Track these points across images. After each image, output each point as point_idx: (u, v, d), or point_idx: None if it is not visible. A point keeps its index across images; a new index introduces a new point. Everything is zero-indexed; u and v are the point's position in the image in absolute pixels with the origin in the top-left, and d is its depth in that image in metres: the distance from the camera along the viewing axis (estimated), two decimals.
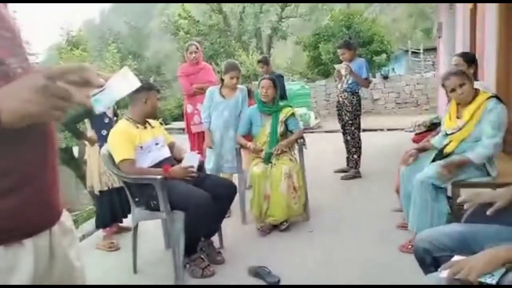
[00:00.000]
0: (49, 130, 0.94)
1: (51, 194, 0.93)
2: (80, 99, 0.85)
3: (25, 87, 0.74)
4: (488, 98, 2.65)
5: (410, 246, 2.72)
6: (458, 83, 2.64)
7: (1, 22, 0.87)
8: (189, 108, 4.33)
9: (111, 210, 3.35)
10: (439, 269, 1.32)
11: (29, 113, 0.74)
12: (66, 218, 1.03)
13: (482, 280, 1.20)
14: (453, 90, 2.67)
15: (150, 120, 2.93)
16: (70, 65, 0.82)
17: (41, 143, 0.90)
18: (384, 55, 13.37)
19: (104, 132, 3.25)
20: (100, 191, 3.34)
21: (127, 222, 3.48)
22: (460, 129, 2.72)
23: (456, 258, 1.33)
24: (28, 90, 0.73)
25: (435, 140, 3.02)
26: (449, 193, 2.78)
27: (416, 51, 16.95)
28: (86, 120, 3.44)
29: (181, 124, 10.22)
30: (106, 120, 3.37)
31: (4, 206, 0.83)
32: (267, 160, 3.44)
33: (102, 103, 0.88)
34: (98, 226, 3.48)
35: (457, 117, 2.77)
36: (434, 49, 12.97)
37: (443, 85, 2.76)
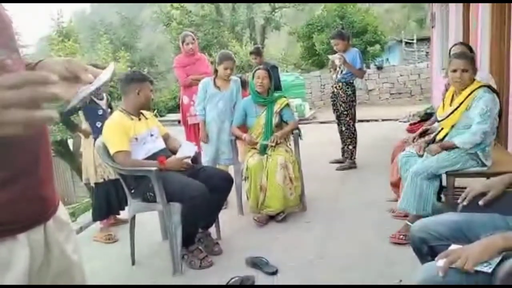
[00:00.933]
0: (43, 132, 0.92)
1: (45, 187, 0.92)
2: (68, 97, 0.81)
3: None
4: (479, 87, 2.67)
5: (401, 237, 2.76)
6: (462, 67, 2.66)
7: None
8: (185, 100, 4.31)
9: (107, 202, 3.35)
10: (435, 258, 1.34)
11: None
12: (62, 211, 1.01)
13: (479, 268, 1.22)
14: (454, 70, 2.69)
15: (144, 112, 2.92)
16: (34, 74, 0.67)
17: (33, 136, 0.88)
18: (377, 46, 13.36)
19: (98, 124, 3.23)
20: (95, 183, 3.34)
21: (124, 214, 3.48)
22: (449, 115, 2.75)
23: (453, 247, 1.35)
24: None
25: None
26: (444, 183, 2.81)
27: (410, 41, 16.95)
28: (80, 112, 3.41)
29: (176, 116, 10.17)
30: (100, 112, 3.35)
31: None
32: (263, 151, 3.45)
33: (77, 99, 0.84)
34: (95, 218, 3.48)
35: (450, 105, 2.80)
36: (427, 39, 12.98)
37: (449, 62, 2.77)
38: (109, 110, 3.41)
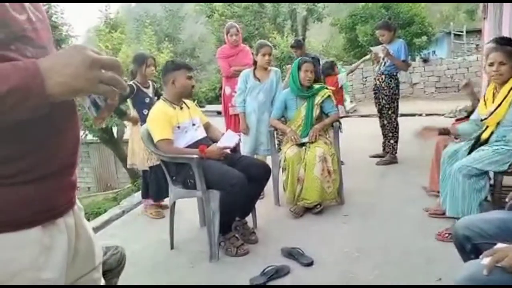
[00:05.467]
0: (75, 115, 0.96)
1: (74, 174, 0.97)
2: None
3: (74, 61, 0.74)
4: None
5: (446, 235, 2.67)
6: (499, 60, 2.54)
7: (38, 6, 0.89)
8: (227, 90, 4.35)
9: (156, 186, 3.49)
10: (480, 256, 1.29)
11: (77, 87, 0.75)
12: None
13: None
14: (491, 64, 2.57)
15: (186, 101, 2.98)
16: (113, 60, 0.80)
17: (70, 130, 0.93)
18: (424, 37, 12.87)
19: (145, 112, 3.35)
20: (143, 171, 3.49)
21: (165, 200, 3.60)
22: (493, 112, 2.61)
23: (499, 245, 1.30)
24: (77, 63, 0.73)
25: (462, 127, 2.91)
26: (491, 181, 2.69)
27: (459, 33, 16.21)
28: (128, 100, 3.56)
29: (216, 107, 10.31)
30: (147, 100, 3.48)
31: (41, 189, 0.85)
32: (301, 144, 3.43)
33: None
34: (144, 196, 3.65)
35: (493, 102, 2.67)
36: (478, 31, 12.39)
37: (486, 56, 2.65)
38: (155, 98, 3.51)
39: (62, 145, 0.89)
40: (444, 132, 2.87)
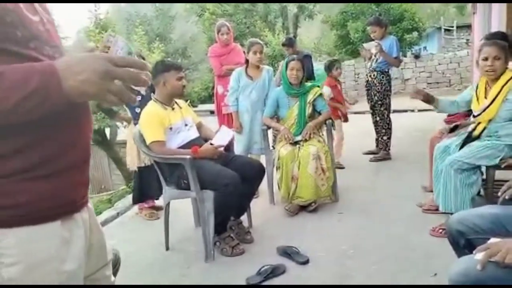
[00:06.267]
0: (88, 110, 0.99)
1: (88, 171, 1.00)
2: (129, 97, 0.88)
3: (88, 68, 0.78)
4: None
5: (440, 230, 2.68)
6: (494, 55, 2.54)
7: (46, 8, 0.93)
8: (219, 89, 4.34)
9: (148, 185, 3.47)
10: (474, 252, 1.30)
11: (87, 93, 0.79)
12: None
13: None
14: (485, 58, 2.57)
15: (178, 101, 2.96)
16: (136, 60, 0.85)
17: (85, 125, 0.97)
18: (415, 33, 12.90)
19: (137, 110, 3.31)
20: (138, 167, 3.46)
21: (159, 201, 3.58)
22: (485, 109, 2.62)
23: (492, 240, 1.30)
24: (91, 71, 0.78)
25: (443, 101, 2.94)
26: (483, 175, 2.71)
27: (449, 28, 16.30)
28: None
29: (209, 107, 10.28)
30: (139, 98, 3.44)
31: (60, 183, 0.89)
32: (295, 142, 3.43)
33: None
34: (135, 201, 3.62)
35: (485, 98, 2.68)
36: (468, 26, 12.46)
37: (480, 50, 2.65)
38: (152, 93, 3.47)
39: (78, 140, 0.93)
40: (427, 97, 2.83)
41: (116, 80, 0.81)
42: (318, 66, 5.83)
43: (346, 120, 4.78)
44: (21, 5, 0.83)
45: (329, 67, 4.71)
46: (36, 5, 0.90)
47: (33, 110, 0.77)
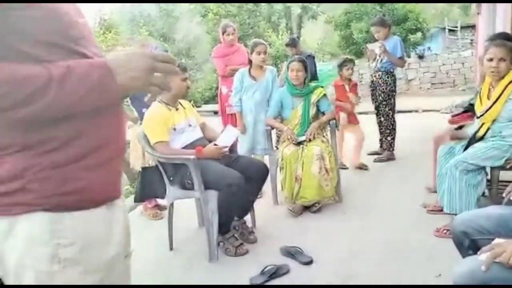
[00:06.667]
0: (122, 107, 1.07)
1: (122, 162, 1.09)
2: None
3: (136, 66, 0.89)
4: None
5: (445, 231, 2.68)
6: (499, 56, 2.53)
7: (79, 11, 1.00)
8: (223, 90, 4.35)
9: (151, 185, 3.47)
10: (478, 252, 1.29)
11: (135, 87, 0.91)
12: None
13: None
14: (490, 59, 2.56)
15: (182, 101, 2.97)
16: (170, 56, 0.96)
17: (122, 119, 1.05)
18: (419, 33, 12.87)
19: (144, 110, 3.32)
20: (142, 167, 3.47)
21: (163, 201, 3.59)
22: (489, 109, 2.61)
23: (497, 240, 1.30)
24: (139, 68, 0.89)
25: (470, 129, 2.92)
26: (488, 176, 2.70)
27: (454, 28, 16.23)
28: (127, 100, 3.54)
29: (212, 107, 10.28)
30: (146, 98, 3.44)
31: (106, 172, 0.97)
32: (299, 142, 3.43)
33: None
34: (136, 199, 3.63)
35: (488, 99, 2.67)
36: (472, 27, 12.42)
37: (486, 50, 2.64)
38: None
39: (118, 133, 1.02)
40: (456, 137, 2.89)
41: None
42: (321, 67, 5.82)
43: (353, 121, 4.63)
44: (72, 8, 0.93)
45: (339, 67, 4.59)
46: (80, 9, 1.00)
47: (93, 103, 0.87)
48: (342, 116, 4.51)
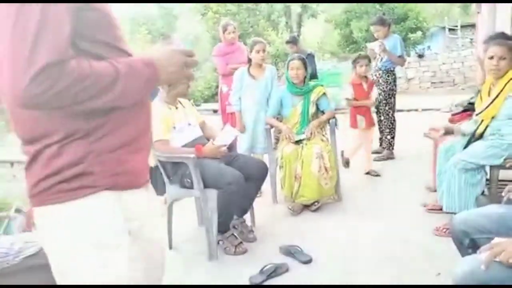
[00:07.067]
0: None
1: None
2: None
3: (173, 62, 1.01)
4: None
5: (444, 230, 2.67)
6: (500, 55, 2.53)
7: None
8: (224, 88, 4.34)
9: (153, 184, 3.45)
10: (478, 251, 1.29)
11: (172, 81, 1.05)
12: None
13: None
14: (491, 57, 2.56)
15: (182, 100, 2.96)
16: (192, 52, 1.07)
17: (150, 112, 1.14)
18: (419, 33, 12.86)
19: None
20: None
21: (162, 199, 3.58)
22: (488, 106, 2.61)
23: (497, 240, 1.30)
24: (175, 64, 1.01)
25: (465, 126, 2.91)
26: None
27: (454, 28, 16.21)
28: None
29: (212, 106, 10.27)
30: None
31: (144, 158, 1.08)
32: (298, 140, 3.43)
33: None
34: None
35: (489, 96, 2.67)
36: (472, 26, 12.41)
37: (487, 48, 2.64)
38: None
39: (148, 125, 1.11)
40: (449, 131, 2.88)
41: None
42: (321, 66, 5.77)
43: (371, 124, 4.31)
44: (111, 8, 1.02)
45: (353, 63, 4.28)
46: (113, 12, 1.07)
47: (141, 95, 1.00)
48: (360, 118, 4.19)
